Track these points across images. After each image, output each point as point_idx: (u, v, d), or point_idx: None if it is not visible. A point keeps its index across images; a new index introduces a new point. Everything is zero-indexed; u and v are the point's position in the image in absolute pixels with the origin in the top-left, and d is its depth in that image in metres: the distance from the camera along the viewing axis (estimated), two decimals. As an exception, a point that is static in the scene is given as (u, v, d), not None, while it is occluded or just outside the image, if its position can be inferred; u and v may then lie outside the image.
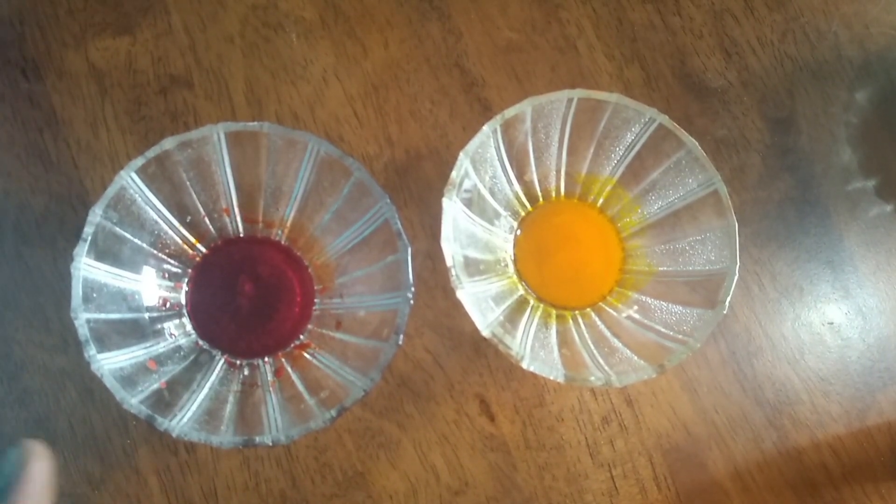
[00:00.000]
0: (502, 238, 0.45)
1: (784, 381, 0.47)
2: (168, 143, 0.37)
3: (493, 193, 0.43)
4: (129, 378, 0.38)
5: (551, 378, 0.38)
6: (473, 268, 0.41)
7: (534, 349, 0.40)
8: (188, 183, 0.40)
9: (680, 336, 0.39)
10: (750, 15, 0.51)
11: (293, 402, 0.41)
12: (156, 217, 0.40)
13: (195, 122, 0.46)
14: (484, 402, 0.45)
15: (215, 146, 0.38)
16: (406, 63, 0.48)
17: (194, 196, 0.41)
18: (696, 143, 0.40)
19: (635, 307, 0.43)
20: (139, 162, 0.37)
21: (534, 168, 0.44)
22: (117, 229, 0.40)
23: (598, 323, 0.43)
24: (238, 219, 0.43)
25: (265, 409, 0.40)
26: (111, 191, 0.37)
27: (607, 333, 0.42)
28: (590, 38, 0.49)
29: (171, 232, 0.41)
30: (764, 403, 0.46)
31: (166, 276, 0.42)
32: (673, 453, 0.45)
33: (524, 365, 0.38)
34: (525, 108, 0.40)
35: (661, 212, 0.43)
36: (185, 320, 0.43)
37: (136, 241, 0.41)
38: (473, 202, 0.42)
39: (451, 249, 0.39)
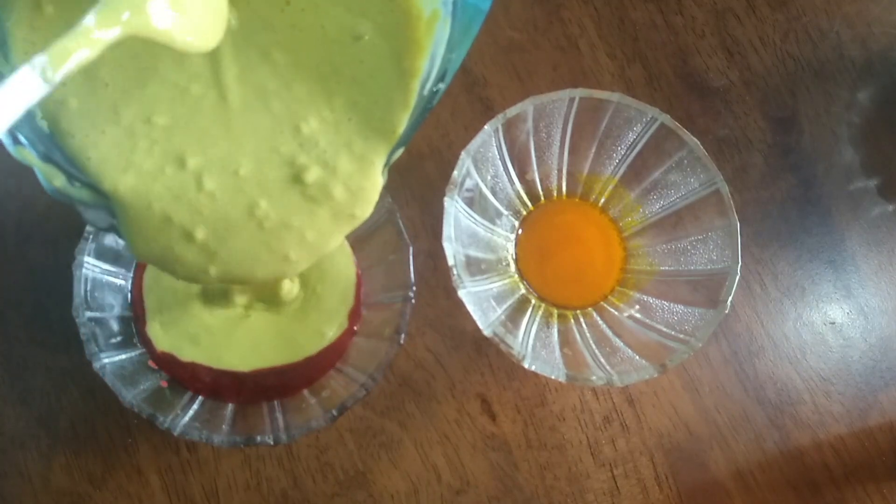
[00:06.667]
0: (504, 237, 0.45)
1: (786, 380, 0.47)
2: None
3: (494, 193, 0.43)
4: (131, 377, 0.38)
5: (553, 377, 0.38)
6: (475, 267, 0.41)
7: (535, 348, 0.40)
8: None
9: (681, 335, 0.39)
10: (752, 14, 0.51)
11: (295, 400, 0.41)
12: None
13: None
14: (485, 401, 0.45)
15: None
16: (408, 62, 0.48)
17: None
18: (698, 143, 0.40)
19: (637, 307, 0.43)
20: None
21: (535, 167, 0.44)
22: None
23: (600, 322, 0.43)
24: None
25: (266, 407, 0.40)
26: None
27: (609, 333, 0.42)
28: (591, 37, 0.49)
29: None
30: (765, 403, 0.46)
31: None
32: (674, 453, 0.45)
33: (526, 364, 0.38)
34: (527, 107, 0.40)
35: (662, 211, 0.43)
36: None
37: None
38: (475, 201, 0.42)
39: (453, 249, 0.39)
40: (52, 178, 0.26)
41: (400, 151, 0.28)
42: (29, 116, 0.26)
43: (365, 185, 0.28)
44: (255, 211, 0.28)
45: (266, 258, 0.28)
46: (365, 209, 0.28)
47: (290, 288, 0.41)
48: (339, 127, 0.28)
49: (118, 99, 0.27)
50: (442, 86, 0.27)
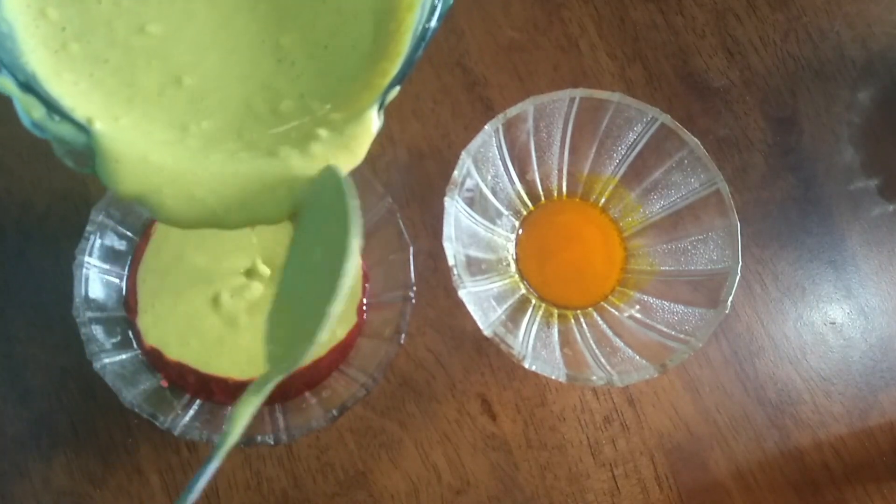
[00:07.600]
0: (504, 237, 0.45)
1: (786, 380, 0.47)
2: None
3: (494, 193, 0.43)
4: (131, 377, 0.38)
5: (553, 377, 0.38)
6: (475, 267, 0.41)
7: (535, 349, 0.40)
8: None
9: (682, 335, 0.39)
10: (752, 14, 0.51)
11: (296, 400, 0.41)
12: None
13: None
14: (486, 401, 0.45)
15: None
16: (408, 62, 0.48)
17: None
18: (699, 143, 0.40)
19: (637, 307, 0.43)
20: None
21: (536, 167, 0.44)
22: (120, 228, 0.40)
23: (600, 322, 0.43)
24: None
25: (267, 408, 0.40)
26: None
27: (609, 333, 0.42)
28: (592, 37, 0.49)
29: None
30: (766, 403, 0.46)
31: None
32: (675, 453, 0.45)
33: (526, 364, 0.38)
34: (527, 107, 0.40)
35: (663, 211, 0.43)
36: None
37: (138, 239, 0.41)
38: (475, 201, 0.42)
39: (453, 249, 0.39)
40: (31, 110, 0.25)
41: (395, 91, 0.27)
42: (10, 55, 0.25)
43: (351, 130, 0.27)
44: (240, 141, 0.27)
45: (251, 196, 0.27)
46: (353, 153, 0.27)
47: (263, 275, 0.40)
48: (315, 53, 0.27)
49: (111, 12, 0.27)
50: (434, 24, 0.26)
